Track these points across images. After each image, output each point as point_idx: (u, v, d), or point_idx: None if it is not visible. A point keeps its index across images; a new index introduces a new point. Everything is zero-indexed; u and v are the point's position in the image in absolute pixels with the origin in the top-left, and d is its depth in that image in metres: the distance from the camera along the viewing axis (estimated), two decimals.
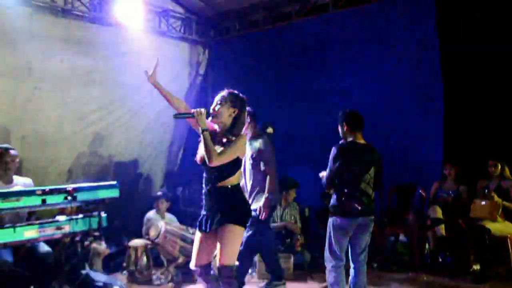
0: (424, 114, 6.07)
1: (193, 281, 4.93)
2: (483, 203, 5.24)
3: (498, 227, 5.18)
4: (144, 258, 5.49)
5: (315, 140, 6.47)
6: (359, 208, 3.83)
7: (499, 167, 5.40)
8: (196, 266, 3.38)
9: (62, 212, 4.13)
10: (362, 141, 3.97)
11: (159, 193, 6.28)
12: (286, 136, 6.50)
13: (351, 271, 4.01)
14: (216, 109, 3.35)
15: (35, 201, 3.57)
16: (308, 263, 5.78)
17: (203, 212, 3.41)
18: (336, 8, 6.70)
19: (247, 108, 3.53)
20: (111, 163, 7.11)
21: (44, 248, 4.31)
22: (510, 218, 5.28)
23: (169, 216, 5.99)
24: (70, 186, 3.77)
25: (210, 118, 3.35)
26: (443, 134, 5.87)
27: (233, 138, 3.32)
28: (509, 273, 5.12)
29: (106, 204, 4.01)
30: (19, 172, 4.70)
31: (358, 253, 3.97)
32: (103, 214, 3.98)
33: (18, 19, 5.70)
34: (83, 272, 4.53)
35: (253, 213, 4.25)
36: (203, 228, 3.36)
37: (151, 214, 5.91)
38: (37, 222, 3.73)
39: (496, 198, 5.14)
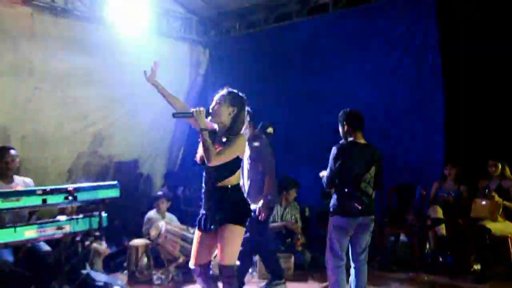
0: (424, 114, 6.07)
1: (194, 281, 4.91)
2: (484, 203, 5.24)
3: (499, 227, 5.18)
4: (145, 258, 5.49)
5: (315, 140, 6.46)
6: (359, 207, 3.83)
7: (500, 167, 5.40)
8: (195, 265, 3.38)
9: (62, 212, 4.14)
10: (362, 141, 3.97)
11: (160, 193, 6.29)
12: (286, 136, 6.50)
13: (352, 270, 4.01)
14: (216, 108, 3.34)
15: (36, 201, 3.58)
16: (308, 263, 5.78)
17: (202, 211, 3.40)
18: (336, 8, 6.71)
19: (246, 108, 3.53)
20: (111, 163, 7.12)
21: (45, 248, 4.31)
22: (510, 218, 5.28)
23: (169, 216, 5.99)
24: (70, 186, 3.79)
25: (209, 118, 3.34)
26: (444, 134, 5.87)
27: (233, 138, 3.30)
28: (510, 273, 5.12)
29: (106, 204, 4.03)
30: (18, 172, 4.70)
31: (358, 252, 3.97)
32: (104, 214, 3.99)
33: (18, 19, 5.70)
34: (84, 272, 4.54)
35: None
36: (202, 227, 3.36)
37: (152, 214, 5.90)
38: (38, 222, 3.74)
39: (496, 198, 5.14)
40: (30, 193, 3.61)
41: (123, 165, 7.27)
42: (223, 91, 3.39)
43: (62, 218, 3.81)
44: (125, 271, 5.57)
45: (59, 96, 6.27)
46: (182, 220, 6.03)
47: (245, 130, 3.43)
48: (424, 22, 6.01)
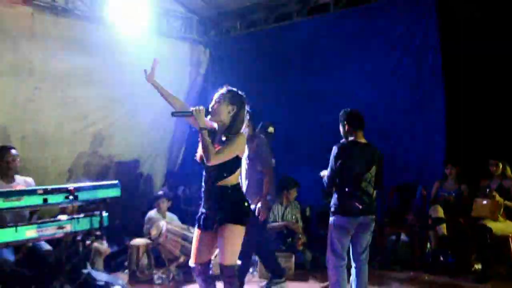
0: (425, 114, 6.07)
1: (194, 281, 4.90)
2: (485, 202, 5.24)
3: (500, 226, 5.17)
4: (146, 258, 5.49)
5: (315, 140, 6.46)
6: (360, 207, 3.83)
7: (500, 166, 5.40)
8: (195, 263, 3.38)
9: (63, 211, 4.14)
10: (363, 140, 3.98)
11: (160, 192, 6.29)
12: (286, 136, 6.50)
13: (353, 270, 4.01)
14: (215, 107, 3.32)
15: (37, 200, 3.58)
16: (309, 262, 5.78)
17: (202, 210, 3.39)
18: (337, 8, 6.71)
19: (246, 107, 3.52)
20: (112, 163, 7.11)
21: (46, 247, 4.31)
22: (511, 218, 5.28)
23: (170, 215, 5.98)
24: (71, 186, 3.78)
25: (209, 116, 3.32)
26: (444, 133, 5.87)
27: (232, 137, 3.28)
28: (511, 272, 5.12)
29: (107, 204, 4.02)
30: (18, 172, 4.69)
31: (359, 252, 3.97)
32: (105, 214, 3.98)
33: (18, 19, 5.70)
34: (85, 271, 4.53)
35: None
36: (202, 226, 3.35)
37: (152, 213, 5.90)
38: (39, 221, 3.74)
39: (497, 197, 5.14)
40: (31, 192, 3.60)
41: (123, 165, 7.26)
42: (223, 90, 3.36)
43: (63, 217, 3.81)
44: (126, 271, 5.58)
45: (59, 96, 6.27)
46: (182, 220, 6.03)
47: (245, 130, 3.41)
48: (424, 22, 6.01)
